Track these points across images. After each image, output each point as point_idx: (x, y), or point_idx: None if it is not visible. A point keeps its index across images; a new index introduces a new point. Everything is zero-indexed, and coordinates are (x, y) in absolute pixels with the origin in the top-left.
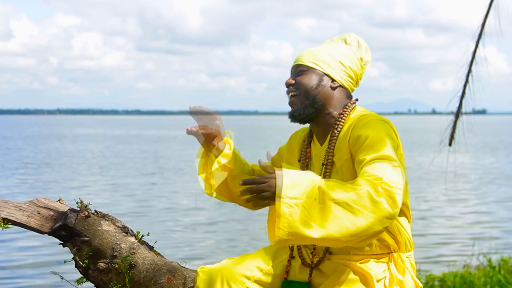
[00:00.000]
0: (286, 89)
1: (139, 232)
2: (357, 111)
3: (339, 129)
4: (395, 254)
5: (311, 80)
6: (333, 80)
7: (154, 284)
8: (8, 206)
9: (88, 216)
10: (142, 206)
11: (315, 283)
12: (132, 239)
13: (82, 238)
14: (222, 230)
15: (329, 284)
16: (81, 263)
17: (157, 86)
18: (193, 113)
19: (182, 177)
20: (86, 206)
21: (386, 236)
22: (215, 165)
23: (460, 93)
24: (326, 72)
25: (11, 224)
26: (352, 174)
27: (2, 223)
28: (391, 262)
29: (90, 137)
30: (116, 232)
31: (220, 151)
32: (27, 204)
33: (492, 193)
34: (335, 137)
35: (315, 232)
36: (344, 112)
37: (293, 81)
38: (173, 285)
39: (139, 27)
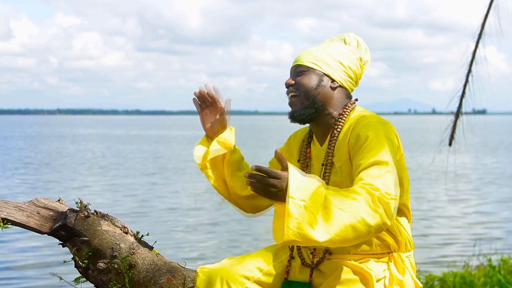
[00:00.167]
0: (286, 89)
1: (139, 232)
2: (357, 112)
3: (339, 129)
4: (395, 254)
5: (311, 81)
6: (333, 80)
7: (154, 284)
8: (8, 206)
9: (87, 216)
10: (143, 207)
11: (315, 283)
12: (132, 239)
13: (81, 238)
14: (224, 231)
15: (329, 284)
16: (81, 263)
17: (157, 86)
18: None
19: (182, 177)
20: (86, 206)
21: (386, 236)
22: (216, 140)
23: (460, 93)
24: (326, 73)
25: (11, 224)
26: (351, 175)
27: (2, 223)
28: (391, 262)
29: (90, 137)
30: (115, 232)
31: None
32: (27, 204)
33: (493, 193)
34: (335, 138)
35: (320, 235)
36: (344, 113)
37: (293, 82)
38: (173, 285)
39: (139, 27)
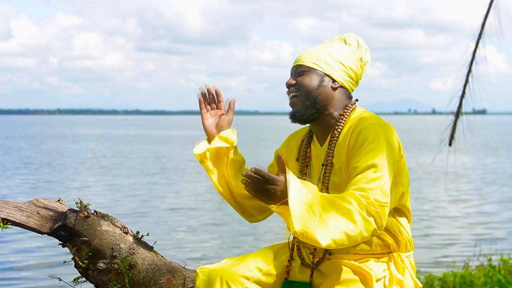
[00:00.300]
0: (287, 89)
1: (139, 232)
2: (358, 112)
3: (339, 130)
4: (395, 254)
5: (312, 81)
6: (334, 81)
7: (154, 285)
8: (8, 206)
9: (87, 216)
10: (144, 207)
11: (315, 283)
12: (132, 239)
13: (81, 238)
14: (225, 231)
15: (329, 283)
16: (81, 264)
17: (157, 86)
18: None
19: (183, 177)
20: (86, 206)
21: (386, 236)
22: (218, 136)
23: (460, 93)
24: (327, 73)
25: (11, 224)
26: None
27: (2, 224)
28: (391, 261)
29: (90, 137)
30: (115, 232)
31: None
32: (27, 204)
33: (494, 193)
34: (335, 138)
35: (321, 239)
36: (344, 113)
37: (294, 82)
38: (173, 285)
39: (139, 27)
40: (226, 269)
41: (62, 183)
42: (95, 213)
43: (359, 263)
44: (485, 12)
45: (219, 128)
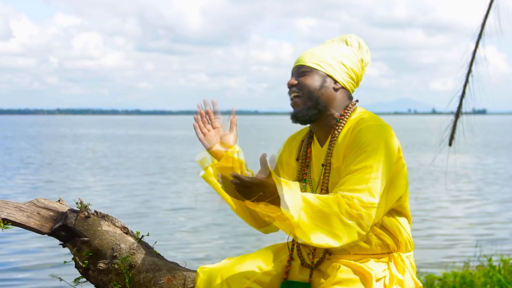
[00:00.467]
0: (288, 89)
1: (139, 233)
2: (358, 113)
3: (339, 130)
4: (395, 254)
5: (314, 81)
6: (335, 82)
7: (154, 285)
8: (8, 207)
9: (88, 217)
10: (144, 207)
11: (315, 283)
12: (132, 239)
13: (82, 238)
14: (226, 231)
15: (329, 283)
16: (81, 264)
17: (157, 86)
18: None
19: (183, 177)
20: (86, 206)
21: (385, 236)
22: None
23: (460, 93)
24: (329, 74)
25: (11, 225)
26: None
27: (2, 224)
28: (391, 261)
29: (91, 137)
30: (116, 232)
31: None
32: (27, 205)
33: (495, 193)
34: (335, 139)
35: (314, 238)
36: (345, 114)
37: (296, 82)
38: (173, 285)
39: (139, 27)
40: (226, 269)
41: (62, 183)
42: (95, 213)
43: (359, 263)
44: (485, 12)
45: (225, 147)
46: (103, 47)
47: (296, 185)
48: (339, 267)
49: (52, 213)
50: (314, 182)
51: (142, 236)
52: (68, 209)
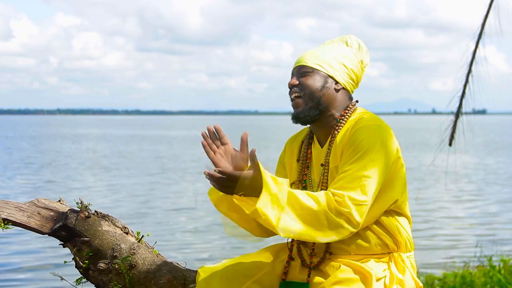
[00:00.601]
0: (289, 90)
1: (139, 233)
2: (357, 113)
3: (339, 130)
4: (395, 254)
5: (316, 82)
6: (336, 82)
7: (154, 285)
8: (8, 207)
9: (88, 217)
10: (145, 207)
11: (315, 283)
12: (132, 239)
13: (82, 238)
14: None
15: (329, 283)
16: (81, 264)
17: (157, 86)
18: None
19: (184, 177)
20: (86, 206)
21: (385, 236)
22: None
23: (460, 93)
24: (330, 74)
25: (11, 225)
26: None
27: (2, 224)
28: (391, 261)
29: (91, 137)
30: (116, 232)
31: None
32: (27, 205)
33: (496, 194)
34: (334, 139)
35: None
36: (345, 114)
37: (297, 82)
38: (173, 285)
39: (139, 27)
40: (227, 269)
41: (63, 184)
42: (95, 213)
43: (360, 263)
44: (485, 12)
45: (237, 169)
46: (103, 47)
47: (285, 181)
48: (339, 266)
49: (52, 213)
50: (314, 183)
51: (142, 236)
52: (69, 209)
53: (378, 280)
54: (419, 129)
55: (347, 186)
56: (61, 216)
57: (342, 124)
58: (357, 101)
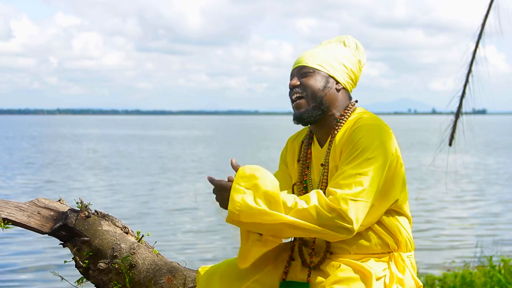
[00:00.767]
0: (289, 90)
1: (139, 232)
2: (357, 113)
3: (339, 130)
4: (395, 254)
5: (317, 82)
6: (337, 82)
7: (154, 284)
8: (9, 206)
9: (88, 216)
10: (145, 207)
11: (315, 282)
12: (132, 239)
13: (82, 238)
14: (228, 232)
15: (329, 282)
16: (81, 263)
17: (157, 86)
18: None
19: (184, 178)
20: (86, 206)
21: (385, 235)
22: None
23: (460, 93)
24: (331, 74)
25: (12, 224)
26: None
27: (3, 223)
28: (391, 261)
29: (91, 137)
30: (116, 232)
31: None
32: (27, 204)
33: (496, 194)
34: (334, 138)
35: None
36: (345, 114)
37: (298, 82)
38: (173, 285)
39: (139, 27)
40: (227, 268)
41: (63, 184)
42: (95, 213)
43: (360, 262)
44: (485, 12)
45: None
46: (103, 47)
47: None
48: (339, 266)
49: (52, 213)
50: (314, 183)
51: (142, 236)
52: (69, 209)
53: (378, 279)
54: (419, 129)
55: (343, 184)
56: (61, 216)
57: (342, 124)
58: (356, 101)
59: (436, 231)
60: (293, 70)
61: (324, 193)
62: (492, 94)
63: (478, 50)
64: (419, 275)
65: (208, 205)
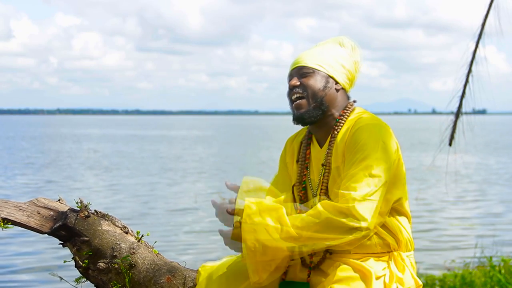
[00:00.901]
0: (288, 91)
1: (139, 232)
2: (356, 113)
3: (339, 130)
4: (395, 253)
5: (318, 82)
6: (336, 82)
7: (154, 284)
8: (8, 206)
9: (88, 216)
10: (146, 207)
11: (315, 282)
12: (132, 239)
13: (82, 238)
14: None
15: (329, 281)
16: (81, 263)
17: (157, 86)
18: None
19: (184, 178)
20: (86, 206)
21: (386, 235)
22: None
23: (460, 93)
24: (331, 74)
25: (11, 224)
26: None
27: (2, 223)
28: (391, 260)
29: (91, 137)
30: (116, 232)
31: None
32: (27, 204)
33: (497, 194)
34: (334, 138)
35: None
36: (344, 114)
37: (299, 83)
38: (173, 285)
39: (139, 27)
40: (227, 268)
41: (63, 184)
42: (95, 213)
43: (359, 261)
44: (485, 12)
45: None
46: (103, 47)
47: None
48: (339, 265)
49: (52, 213)
50: (314, 183)
51: (142, 235)
52: (68, 209)
53: (377, 278)
54: (419, 129)
55: (353, 186)
56: (61, 216)
57: (341, 124)
58: (354, 101)
59: (437, 232)
60: (291, 71)
61: (325, 193)
62: (492, 94)
63: (478, 50)
64: (419, 275)
65: (209, 205)
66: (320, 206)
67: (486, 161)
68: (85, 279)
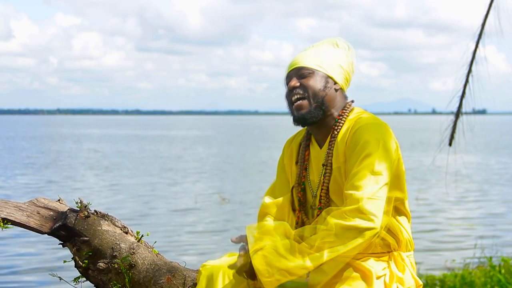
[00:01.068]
0: (288, 92)
1: (139, 232)
2: (355, 112)
3: (338, 130)
4: (395, 253)
5: (317, 82)
6: (335, 83)
7: (154, 284)
8: (8, 206)
9: (87, 216)
10: (146, 207)
11: (315, 282)
12: (132, 239)
13: (81, 238)
14: (228, 231)
15: (330, 281)
16: (81, 263)
17: (157, 86)
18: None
19: (185, 178)
20: (86, 206)
21: (387, 235)
22: None
23: (460, 93)
24: (329, 75)
25: (11, 224)
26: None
27: (2, 223)
28: (391, 260)
29: (91, 137)
30: (115, 232)
31: None
32: (27, 204)
33: (498, 194)
34: (334, 139)
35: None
36: (343, 113)
37: (298, 84)
38: (173, 285)
39: (139, 27)
40: (228, 266)
41: (64, 184)
42: (95, 213)
43: (359, 261)
44: (485, 12)
45: None
46: (103, 47)
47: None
48: (340, 265)
49: (52, 213)
50: (314, 184)
51: (142, 235)
52: (68, 209)
53: (378, 278)
54: (419, 129)
55: (358, 185)
56: (61, 216)
57: (341, 124)
58: (352, 101)
59: (437, 232)
60: (289, 72)
61: (326, 193)
62: (492, 94)
63: (478, 50)
64: (419, 275)
65: (209, 205)
66: (331, 219)
67: (487, 161)
68: (84, 279)
